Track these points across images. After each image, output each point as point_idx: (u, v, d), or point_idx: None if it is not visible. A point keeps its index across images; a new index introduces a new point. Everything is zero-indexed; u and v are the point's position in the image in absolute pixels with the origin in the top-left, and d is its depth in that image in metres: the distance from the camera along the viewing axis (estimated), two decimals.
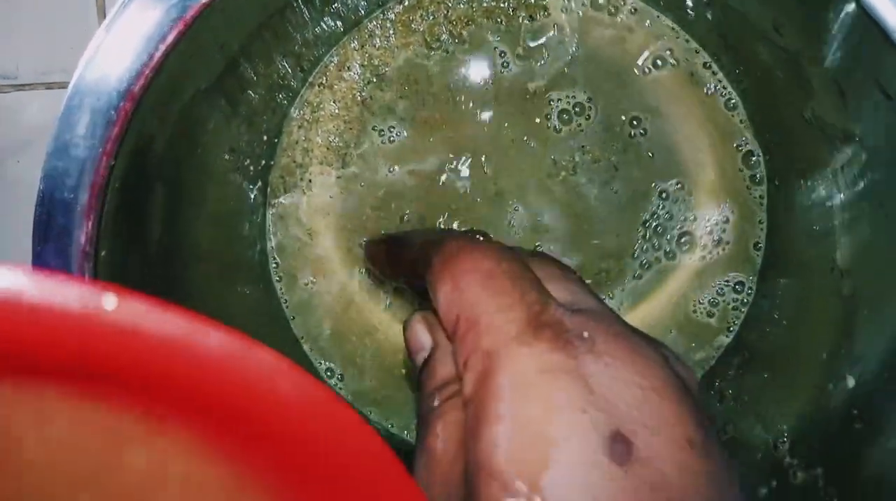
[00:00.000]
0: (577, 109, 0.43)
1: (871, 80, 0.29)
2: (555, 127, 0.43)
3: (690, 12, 0.41)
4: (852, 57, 0.30)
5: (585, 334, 0.20)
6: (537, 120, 0.43)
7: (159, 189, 0.32)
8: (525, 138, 0.43)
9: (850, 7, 0.26)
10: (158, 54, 0.28)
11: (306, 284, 0.44)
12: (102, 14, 0.52)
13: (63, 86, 0.54)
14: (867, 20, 0.26)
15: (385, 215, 0.43)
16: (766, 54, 0.38)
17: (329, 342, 0.44)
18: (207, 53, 0.32)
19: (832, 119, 0.34)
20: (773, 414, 0.38)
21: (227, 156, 0.39)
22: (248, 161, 0.42)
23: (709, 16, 0.40)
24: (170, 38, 0.28)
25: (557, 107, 0.43)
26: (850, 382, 0.34)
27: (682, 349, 0.43)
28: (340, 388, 0.44)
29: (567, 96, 0.42)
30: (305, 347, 0.44)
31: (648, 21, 0.42)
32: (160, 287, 0.34)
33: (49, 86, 0.56)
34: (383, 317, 0.44)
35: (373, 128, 0.43)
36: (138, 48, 0.28)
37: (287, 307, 0.44)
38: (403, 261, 0.28)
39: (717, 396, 0.42)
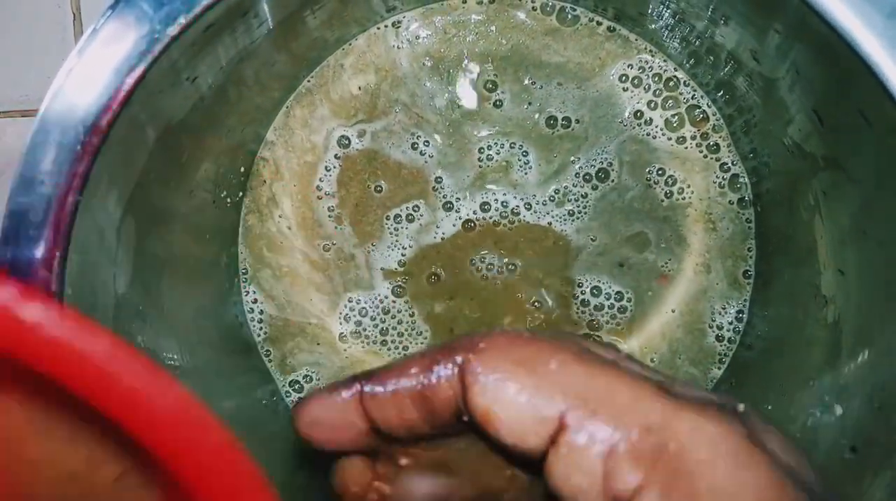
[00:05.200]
0: (567, 125, 0.42)
1: (852, 107, 0.28)
2: (552, 132, 0.42)
3: (677, 45, 0.41)
4: (831, 85, 0.30)
5: (740, 407, 0.18)
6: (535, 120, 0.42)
7: (129, 224, 0.32)
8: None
9: (831, 39, 0.26)
10: (126, 88, 0.27)
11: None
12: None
13: None
14: (848, 51, 0.25)
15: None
16: (745, 83, 0.38)
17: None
18: (178, 87, 0.31)
19: (811, 146, 0.34)
20: None
21: (200, 191, 0.39)
22: (225, 193, 0.41)
23: (693, 46, 0.40)
24: (138, 71, 0.27)
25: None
26: (838, 410, 0.33)
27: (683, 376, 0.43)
28: None
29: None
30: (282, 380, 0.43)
31: (635, 47, 0.42)
32: (131, 329, 0.33)
33: (25, 113, 0.55)
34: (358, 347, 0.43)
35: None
36: (106, 81, 0.28)
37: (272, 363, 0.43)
38: (400, 400, 0.19)
39: None
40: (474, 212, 0.43)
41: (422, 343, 0.43)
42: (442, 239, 0.43)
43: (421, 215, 0.43)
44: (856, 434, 0.31)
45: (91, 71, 0.27)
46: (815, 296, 0.36)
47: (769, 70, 0.35)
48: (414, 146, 0.43)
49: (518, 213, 0.42)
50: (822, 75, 0.30)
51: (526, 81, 0.42)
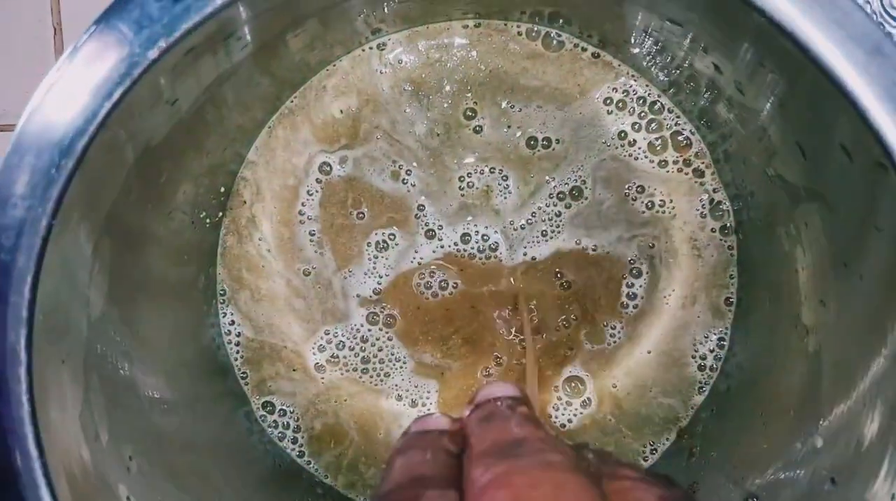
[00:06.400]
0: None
1: (834, 141, 0.28)
2: (534, 154, 0.42)
3: (659, 72, 0.41)
4: (813, 118, 0.30)
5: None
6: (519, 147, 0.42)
7: (105, 246, 0.31)
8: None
9: (813, 74, 0.26)
10: (103, 111, 0.27)
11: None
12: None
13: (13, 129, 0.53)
14: (830, 87, 0.25)
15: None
16: (725, 111, 0.38)
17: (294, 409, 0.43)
18: (157, 109, 0.31)
19: (793, 177, 0.34)
20: (743, 471, 0.38)
21: (179, 212, 0.38)
22: (204, 213, 0.41)
23: (674, 73, 0.40)
24: (116, 95, 0.27)
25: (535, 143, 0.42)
26: (819, 442, 0.33)
27: (658, 407, 0.42)
28: (304, 454, 0.43)
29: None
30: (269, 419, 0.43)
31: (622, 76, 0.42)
32: (106, 353, 0.32)
33: (3, 128, 0.54)
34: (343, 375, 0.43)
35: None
36: (83, 103, 0.27)
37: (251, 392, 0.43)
38: None
39: (686, 453, 0.42)
40: (455, 244, 0.42)
41: (401, 368, 0.42)
42: (419, 264, 0.42)
43: (397, 243, 0.42)
44: (836, 465, 0.31)
45: (68, 93, 0.27)
46: (795, 326, 0.36)
47: (750, 100, 0.35)
48: (395, 175, 0.42)
49: (496, 249, 0.42)
50: (803, 108, 0.30)
51: (504, 105, 0.42)
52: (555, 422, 0.42)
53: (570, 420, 0.42)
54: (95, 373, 0.31)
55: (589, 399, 0.42)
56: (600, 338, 0.42)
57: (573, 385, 0.43)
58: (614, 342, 0.42)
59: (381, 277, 0.42)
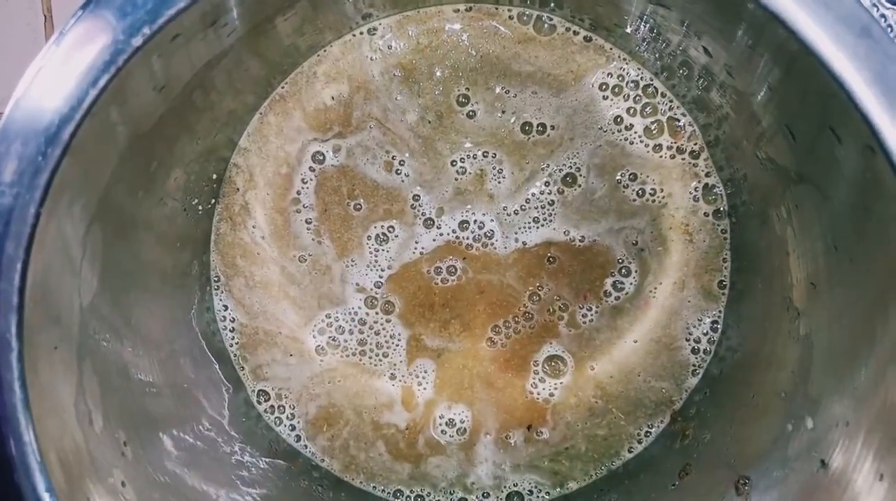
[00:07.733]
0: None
1: (823, 123, 0.28)
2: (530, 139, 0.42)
3: (652, 57, 0.41)
4: (802, 101, 0.30)
5: None
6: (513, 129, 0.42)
7: (95, 234, 0.31)
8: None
9: (802, 57, 0.26)
10: (89, 99, 0.27)
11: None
12: None
13: None
14: (819, 68, 0.25)
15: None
16: (719, 96, 0.38)
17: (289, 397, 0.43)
18: (145, 95, 0.31)
19: (783, 160, 0.34)
20: (735, 453, 0.38)
21: (171, 199, 0.38)
22: (196, 200, 0.41)
23: (668, 58, 0.40)
24: (101, 82, 0.27)
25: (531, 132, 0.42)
26: (809, 424, 0.33)
27: (650, 391, 0.43)
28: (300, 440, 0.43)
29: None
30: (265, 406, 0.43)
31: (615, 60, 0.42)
32: (99, 341, 0.32)
33: None
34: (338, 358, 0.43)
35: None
36: (68, 91, 0.27)
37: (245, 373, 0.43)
38: None
39: (680, 435, 0.42)
40: (453, 232, 0.42)
41: (395, 346, 0.43)
42: (421, 254, 0.42)
43: (397, 236, 0.42)
44: (827, 448, 0.31)
45: (54, 80, 0.27)
46: (787, 309, 0.36)
47: (742, 84, 0.35)
48: (388, 165, 0.42)
49: (492, 236, 0.42)
50: (793, 91, 0.30)
51: (498, 90, 0.42)
52: (536, 397, 0.42)
53: (551, 394, 0.42)
54: (89, 359, 0.31)
55: (569, 378, 0.43)
56: (581, 324, 0.42)
57: (553, 363, 0.43)
58: (591, 323, 0.42)
59: (382, 270, 0.43)
